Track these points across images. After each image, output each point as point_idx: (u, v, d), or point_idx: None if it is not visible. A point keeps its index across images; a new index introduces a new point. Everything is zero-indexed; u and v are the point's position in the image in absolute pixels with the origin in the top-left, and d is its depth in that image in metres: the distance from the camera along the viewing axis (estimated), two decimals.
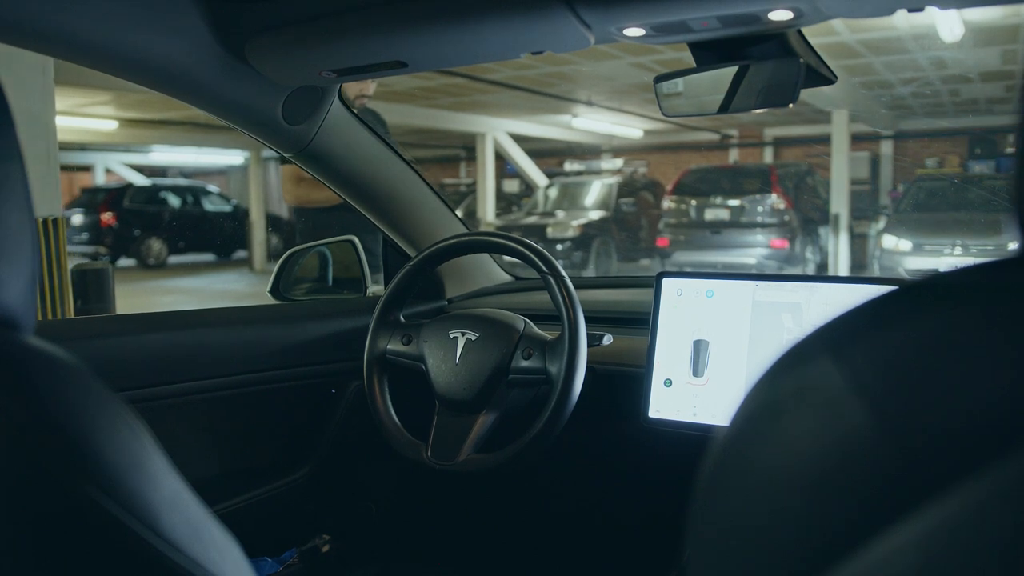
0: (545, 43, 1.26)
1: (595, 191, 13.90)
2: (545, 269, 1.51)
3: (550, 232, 12.42)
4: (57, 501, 0.50)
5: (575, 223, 12.65)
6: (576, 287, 1.51)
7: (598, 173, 15.08)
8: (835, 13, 1.10)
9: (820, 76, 1.33)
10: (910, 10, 1.07)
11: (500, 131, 16.04)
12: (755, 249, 11.28)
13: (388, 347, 1.64)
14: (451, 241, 1.65)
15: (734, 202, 11.57)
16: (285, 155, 1.69)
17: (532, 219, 13.26)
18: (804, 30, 1.25)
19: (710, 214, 11.65)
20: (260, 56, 1.41)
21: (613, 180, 14.22)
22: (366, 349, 1.65)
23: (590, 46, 1.25)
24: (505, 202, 17.61)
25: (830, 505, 0.34)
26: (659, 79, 1.37)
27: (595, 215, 13.18)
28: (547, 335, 1.56)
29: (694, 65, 1.34)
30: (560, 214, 13.30)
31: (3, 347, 0.54)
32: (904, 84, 12.54)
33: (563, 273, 1.50)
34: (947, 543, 0.28)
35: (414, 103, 13.84)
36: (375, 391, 1.62)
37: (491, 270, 2.15)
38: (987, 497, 0.29)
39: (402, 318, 1.69)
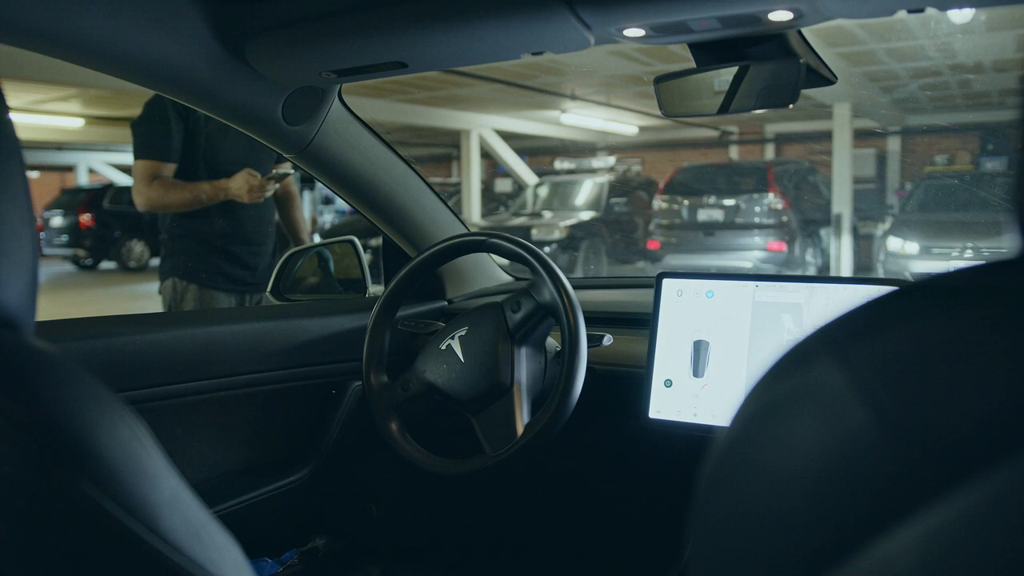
0: (545, 43, 1.29)
1: (586, 190, 13.54)
2: (543, 271, 1.55)
3: (535, 234, 12.01)
4: (57, 501, 0.52)
5: (563, 224, 12.28)
6: (576, 287, 1.55)
7: (592, 171, 14.64)
8: (835, 14, 1.13)
9: (820, 76, 1.35)
10: (910, 10, 1.10)
11: (486, 128, 15.65)
12: (751, 252, 10.89)
13: (397, 395, 1.66)
14: (451, 242, 1.68)
15: (729, 202, 11.16)
16: (285, 156, 1.72)
17: (519, 220, 12.88)
18: (804, 30, 1.27)
19: (703, 215, 11.25)
20: (260, 57, 1.44)
21: (605, 179, 13.83)
22: (364, 351, 1.68)
23: (590, 47, 1.27)
24: (497, 202, 17.30)
25: (831, 506, 0.35)
26: (659, 79, 1.39)
27: (585, 216, 12.81)
28: (521, 284, 1.59)
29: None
30: (547, 215, 12.97)
31: (3, 347, 0.56)
32: (911, 75, 11.97)
33: (561, 275, 1.53)
34: (947, 545, 0.29)
35: (388, 98, 13.40)
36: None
37: (491, 270, 2.18)
38: (988, 499, 0.29)
39: (399, 325, 1.72)
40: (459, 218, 2.06)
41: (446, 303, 2.07)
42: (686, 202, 11.44)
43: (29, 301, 0.60)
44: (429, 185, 1.96)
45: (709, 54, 1.35)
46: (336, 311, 1.91)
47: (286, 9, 1.37)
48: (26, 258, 0.60)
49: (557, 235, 12.04)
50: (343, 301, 2.12)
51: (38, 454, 0.51)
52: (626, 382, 1.64)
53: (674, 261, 11.19)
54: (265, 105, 1.57)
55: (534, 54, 1.34)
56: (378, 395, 1.66)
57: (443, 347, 1.63)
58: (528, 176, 16.11)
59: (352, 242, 2.15)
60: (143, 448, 0.57)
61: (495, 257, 2.19)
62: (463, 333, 1.61)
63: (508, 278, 2.23)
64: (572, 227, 12.37)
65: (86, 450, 0.53)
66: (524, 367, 1.58)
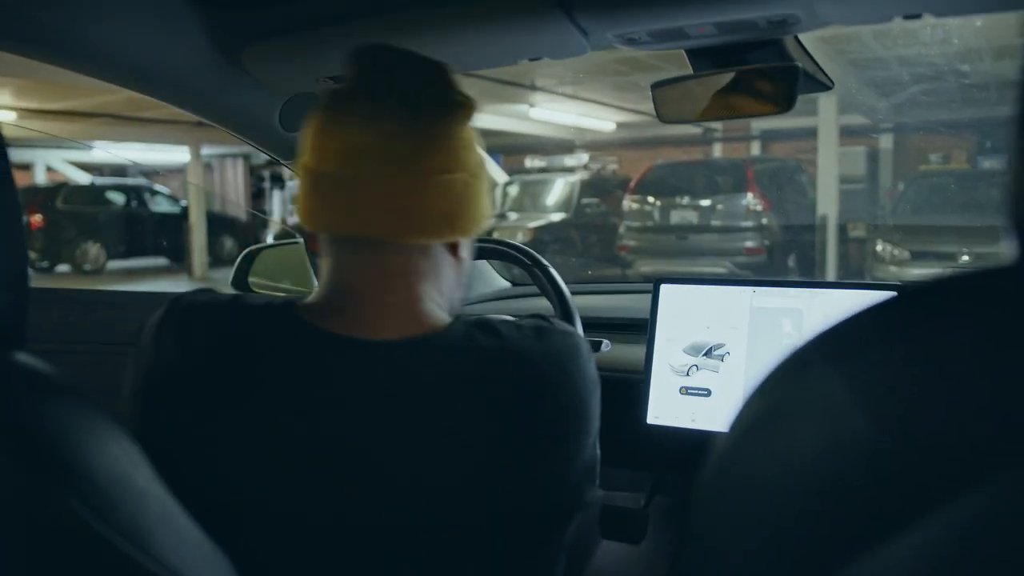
0: (543, 50, 1.33)
1: (556, 191, 13.11)
2: (529, 262, 1.61)
3: (496, 237, 11.15)
4: (46, 520, 0.53)
5: (529, 226, 11.95)
6: (574, 293, 1.60)
7: (565, 170, 14.15)
8: (832, 20, 1.17)
9: (817, 82, 1.40)
10: (906, 17, 1.14)
11: None
12: (727, 257, 10.45)
13: None
14: None
15: (704, 203, 10.76)
16: (283, 162, 1.75)
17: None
18: (800, 36, 1.32)
19: (676, 216, 10.82)
20: (257, 63, 1.47)
21: (576, 178, 13.44)
22: None
23: (587, 52, 1.31)
24: None
25: (829, 512, 0.35)
26: (656, 85, 1.43)
27: (554, 217, 12.45)
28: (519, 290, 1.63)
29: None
30: (512, 216, 12.60)
31: None
32: (901, 64, 11.19)
33: (559, 280, 1.59)
34: (946, 552, 0.30)
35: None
36: None
37: (489, 276, 2.22)
38: (987, 506, 0.30)
39: None
40: None
41: None
42: (658, 203, 11.02)
43: (18, 317, 0.61)
44: None
45: (706, 59, 1.38)
46: None
47: (283, 16, 1.39)
48: (14, 272, 0.61)
49: (521, 238, 11.44)
50: None
51: (27, 473, 0.52)
52: (624, 388, 1.65)
53: (644, 267, 10.77)
54: (262, 111, 1.61)
55: (531, 60, 1.38)
56: None
57: None
58: (499, 175, 15.69)
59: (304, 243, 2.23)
60: (133, 467, 0.58)
61: (493, 263, 2.24)
62: None
63: (506, 284, 2.27)
64: (538, 229, 11.99)
65: (76, 469, 0.54)
66: None
